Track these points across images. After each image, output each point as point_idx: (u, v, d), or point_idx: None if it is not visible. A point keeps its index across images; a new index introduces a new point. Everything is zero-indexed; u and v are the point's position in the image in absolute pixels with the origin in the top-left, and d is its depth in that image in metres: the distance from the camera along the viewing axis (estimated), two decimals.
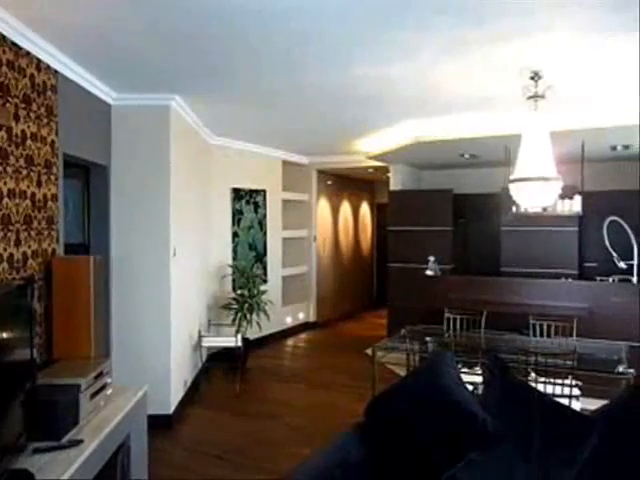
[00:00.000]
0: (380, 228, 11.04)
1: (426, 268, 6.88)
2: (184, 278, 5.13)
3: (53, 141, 3.48)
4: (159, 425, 4.38)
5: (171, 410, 4.69)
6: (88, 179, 4.46)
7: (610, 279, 6.14)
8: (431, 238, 7.81)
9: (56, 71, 3.52)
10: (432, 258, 6.89)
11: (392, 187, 8.48)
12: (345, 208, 10.53)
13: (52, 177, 3.46)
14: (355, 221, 11.01)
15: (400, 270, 7.95)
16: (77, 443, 2.44)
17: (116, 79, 4.19)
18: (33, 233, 3.20)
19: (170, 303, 4.65)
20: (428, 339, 4.76)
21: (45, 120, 3.37)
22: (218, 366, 6.19)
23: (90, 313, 3.35)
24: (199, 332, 5.72)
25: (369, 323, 9.58)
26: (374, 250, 11.69)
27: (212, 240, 6.74)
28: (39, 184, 3.29)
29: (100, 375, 2.97)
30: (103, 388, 3.00)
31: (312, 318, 9.16)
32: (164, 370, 4.64)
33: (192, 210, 5.64)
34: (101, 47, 3.44)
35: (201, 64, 3.83)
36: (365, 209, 11.47)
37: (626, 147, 6.69)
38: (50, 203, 3.43)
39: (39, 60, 3.29)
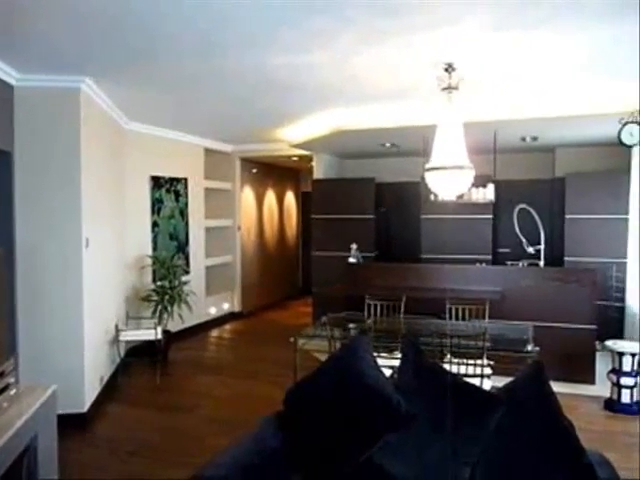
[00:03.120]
0: (305, 216, 11.07)
1: (349, 256, 6.98)
2: (98, 270, 4.90)
3: None
4: (73, 424, 4.22)
5: (85, 408, 4.49)
6: None
7: (520, 264, 6.49)
8: (354, 226, 7.94)
9: None
10: (354, 246, 7.01)
11: (315, 176, 8.52)
12: (270, 197, 10.46)
13: None
14: (280, 210, 10.97)
15: (324, 258, 8.03)
16: None
17: (19, 58, 3.89)
18: None
19: (82, 296, 4.43)
20: (351, 325, 4.83)
21: None
22: (138, 360, 5.99)
23: None
24: (116, 326, 5.50)
25: (295, 311, 9.61)
26: (299, 238, 11.72)
27: (130, 230, 6.48)
28: None
29: (1, 375, 2.78)
30: (6, 389, 2.82)
31: (237, 308, 9.07)
32: (77, 367, 4.43)
33: (107, 199, 5.39)
34: None
35: (115, 45, 3.62)
36: (290, 198, 11.46)
37: (534, 138, 7.06)
38: None
39: None
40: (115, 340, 5.49)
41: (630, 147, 4.93)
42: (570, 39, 3.47)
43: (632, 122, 4.49)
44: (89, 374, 4.58)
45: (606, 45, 3.58)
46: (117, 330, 5.50)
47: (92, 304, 4.65)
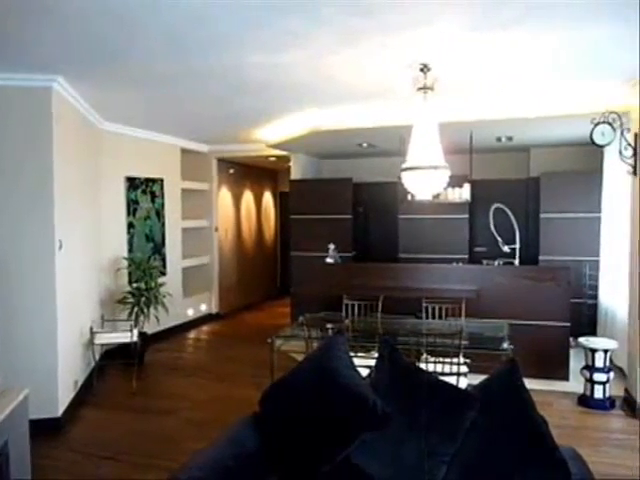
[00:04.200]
0: (283, 217, 11.05)
1: (327, 256, 6.98)
2: (72, 272, 4.82)
3: None
4: (46, 429, 4.15)
5: (59, 412, 4.41)
6: None
7: (496, 262, 6.57)
8: (332, 226, 7.95)
9: None
10: (332, 246, 7.01)
11: (293, 176, 8.51)
12: (248, 197, 10.42)
13: None
14: (258, 210, 10.93)
15: (302, 258, 8.01)
16: None
17: None
18: None
19: (56, 299, 4.35)
20: (329, 326, 4.83)
21: None
22: (114, 363, 5.91)
23: None
24: (91, 329, 5.41)
25: (273, 312, 9.58)
26: (278, 239, 11.69)
27: (105, 232, 6.39)
28: None
29: None
30: None
31: (215, 309, 9.01)
32: (50, 371, 4.35)
33: (81, 200, 5.30)
34: None
35: (87, 44, 3.56)
36: (268, 198, 11.42)
37: (510, 139, 7.16)
38: None
39: None
40: (90, 343, 5.40)
41: (602, 147, 5.02)
42: (543, 40, 3.52)
43: (603, 122, 4.57)
44: (63, 378, 4.50)
45: (578, 46, 3.64)
46: (92, 333, 5.41)
47: (66, 307, 4.56)
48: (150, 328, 6.51)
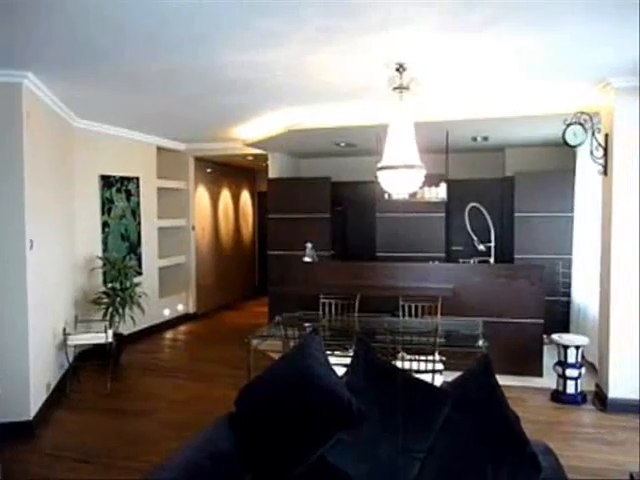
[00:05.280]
0: (262, 216, 11.01)
1: (305, 255, 6.98)
2: (44, 273, 4.73)
3: None
4: (18, 433, 4.08)
5: (31, 416, 4.32)
6: None
7: (471, 261, 6.64)
8: (310, 225, 7.95)
9: None
10: (309, 245, 7.01)
11: (271, 175, 8.49)
12: (225, 196, 10.36)
13: None
14: (236, 209, 10.87)
15: (280, 257, 8.00)
16: None
17: None
18: None
19: (27, 299, 4.27)
20: (307, 325, 4.82)
21: None
22: (88, 365, 5.82)
23: None
24: (64, 330, 5.32)
25: (251, 312, 9.54)
26: (256, 238, 11.65)
27: (79, 231, 6.29)
28: None
29: None
30: None
31: (192, 309, 8.94)
32: (21, 373, 4.27)
33: (53, 199, 5.20)
34: None
35: (58, 40, 3.50)
36: (246, 197, 11.37)
37: (485, 138, 7.24)
38: None
39: None
40: (63, 344, 5.31)
41: (574, 147, 5.11)
42: (515, 41, 3.56)
43: (575, 123, 4.65)
44: (35, 380, 4.41)
45: (550, 48, 3.70)
46: (65, 334, 5.31)
47: (37, 307, 4.48)
48: (126, 329, 6.42)
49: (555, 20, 3.17)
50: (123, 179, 7.19)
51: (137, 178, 7.48)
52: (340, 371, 2.89)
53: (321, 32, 3.37)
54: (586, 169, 6.12)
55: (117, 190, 7.08)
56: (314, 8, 2.97)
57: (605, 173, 4.73)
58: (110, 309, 6.07)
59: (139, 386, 5.61)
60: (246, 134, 7.34)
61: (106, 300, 6.12)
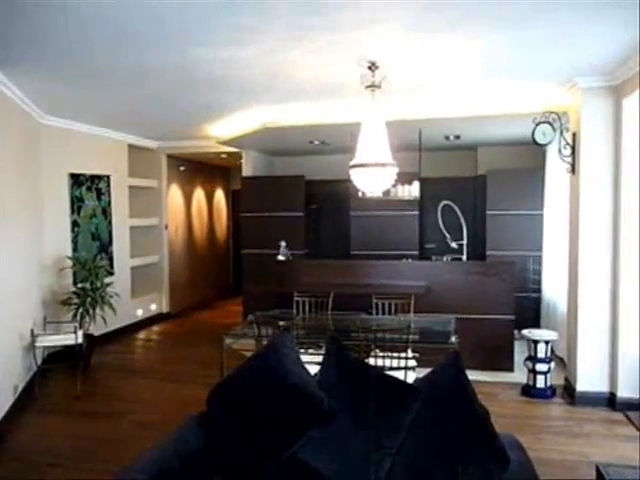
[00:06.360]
0: (236, 215, 10.94)
1: (279, 253, 6.96)
2: (8, 273, 4.61)
3: None
4: None
5: None
6: None
7: (444, 258, 6.71)
8: (284, 224, 7.92)
9: None
10: (283, 243, 6.99)
11: (245, 173, 8.45)
12: (199, 195, 10.26)
13: None
14: (210, 208, 10.78)
15: (254, 256, 7.97)
16: None
17: None
18: None
19: None
20: (281, 323, 4.81)
21: None
22: (58, 367, 5.69)
23: None
24: (32, 331, 5.20)
25: (225, 311, 9.48)
26: (230, 237, 11.57)
27: (48, 230, 6.16)
28: None
29: None
30: None
31: (165, 309, 8.84)
32: None
33: (17, 197, 5.07)
34: None
35: (21, 34, 3.41)
36: (220, 196, 11.28)
37: (457, 137, 7.32)
38: None
39: None
40: (31, 346, 5.19)
41: (543, 146, 5.20)
42: (484, 41, 3.61)
43: (544, 122, 4.73)
44: (0, 382, 4.31)
45: (518, 48, 3.75)
46: (33, 335, 5.20)
47: (1, 308, 4.37)
48: (97, 329, 6.32)
49: (522, 21, 3.22)
50: (93, 177, 7.06)
51: (108, 176, 7.35)
52: (314, 369, 2.89)
53: (294, 29, 3.37)
54: (555, 168, 6.24)
55: (87, 189, 6.95)
56: (286, 5, 2.96)
57: (573, 171, 4.82)
58: (80, 310, 5.96)
59: (110, 387, 5.52)
60: (220, 132, 7.28)
61: (76, 300, 6.01)
